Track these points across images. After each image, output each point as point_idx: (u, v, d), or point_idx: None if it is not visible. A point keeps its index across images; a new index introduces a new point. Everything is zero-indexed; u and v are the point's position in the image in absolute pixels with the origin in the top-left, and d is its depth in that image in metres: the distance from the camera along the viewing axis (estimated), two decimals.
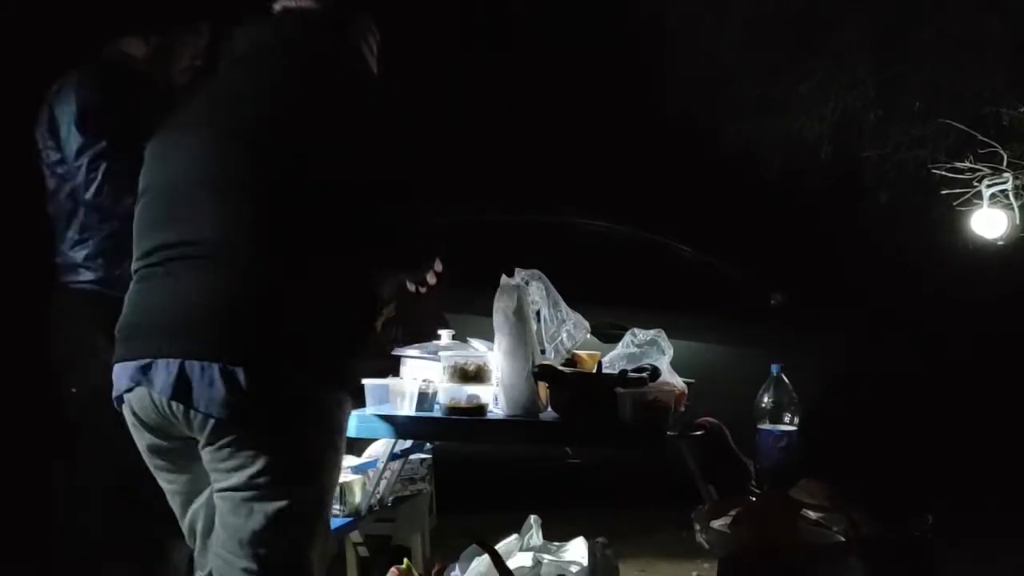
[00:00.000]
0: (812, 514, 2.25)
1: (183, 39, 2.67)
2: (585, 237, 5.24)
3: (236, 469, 1.77)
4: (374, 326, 1.97)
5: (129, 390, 1.80)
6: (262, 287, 1.74)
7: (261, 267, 1.74)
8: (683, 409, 2.66)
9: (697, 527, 2.31)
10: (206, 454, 1.80)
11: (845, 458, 3.75)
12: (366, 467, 2.94)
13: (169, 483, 1.94)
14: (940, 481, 3.98)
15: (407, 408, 2.60)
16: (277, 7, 2.04)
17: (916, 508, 2.44)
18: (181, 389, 1.72)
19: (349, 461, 2.99)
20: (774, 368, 2.67)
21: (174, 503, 1.96)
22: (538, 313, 2.63)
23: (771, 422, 2.62)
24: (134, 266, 1.89)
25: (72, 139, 2.52)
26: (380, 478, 2.93)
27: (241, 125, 1.83)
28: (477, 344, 2.79)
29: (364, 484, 2.87)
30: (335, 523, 2.76)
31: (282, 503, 1.78)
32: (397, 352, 2.85)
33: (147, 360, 1.76)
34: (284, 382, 1.75)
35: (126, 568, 2.47)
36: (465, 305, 3.98)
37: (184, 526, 1.97)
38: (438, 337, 2.83)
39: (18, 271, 3.49)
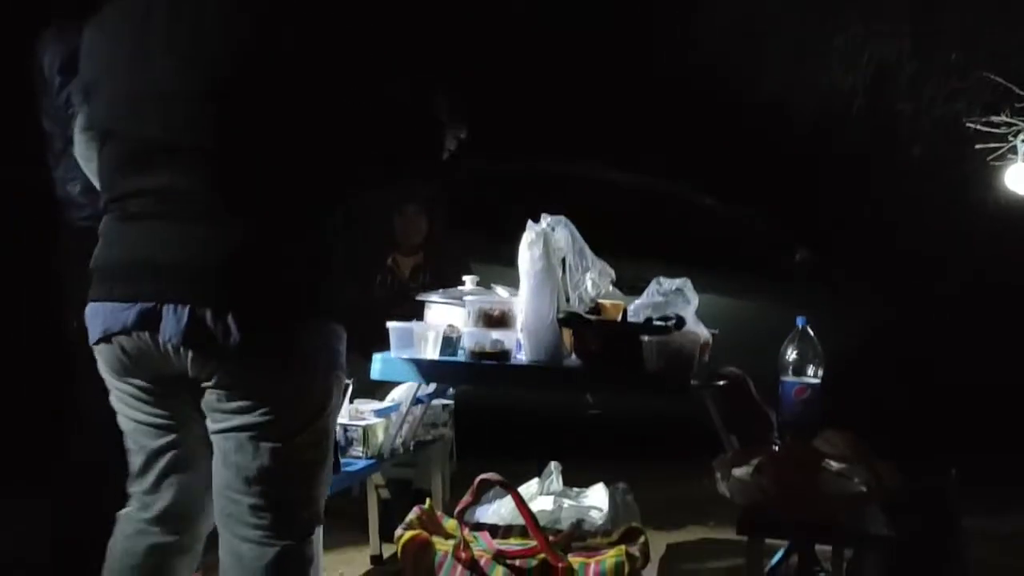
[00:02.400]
0: (834, 464, 2.25)
1: None
2: (611, 189, 5.20)
3: (241, 410, 1.78)
4: (353, 270, 1.94)
5: (127, 332, 1.78)
6: (250, 236, 1.73)
7: (248, 216, 1.74)
8: (707, 359, 2.65)
9: (718, 475, 2.32)
10: (209, 395, 1.81)
11: (869, 411, 3.75)
12: (389, 411, 2.97)
13: (143, 416, 1.90)
14: (964, 433, 3.96)
15: (431, 352, 2.61)
16: None
17: (939, 460, 2.43)
18: (191, 335, 1.72)
19: (372, 405, 3.02)
20: (799, 321, 2.65)
21: (135, 436, 1.93)
22: (563, 260, 2.62)
23: (795, 374, 2.61)
24: (109, 205, 1.85)
25: (55, 82, 2.71)
26: (403, 422, 2.95)
27: (212, 62, 1.74)
28: (501, 291, 2.79)
29: (387, 428, 2.90)
30: (358, 465, 2.80)
31: (288, 439, 1.80)
32: (421, 297, 2.86)
33: (150, 304, 1.74)
34: (280, 322, 1.76)
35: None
36: (490, 253, 3.98)
37: (137, 460, 1.94)
38: (463, 283, 2.83)
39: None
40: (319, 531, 1.89)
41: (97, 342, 1.83)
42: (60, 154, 2.74)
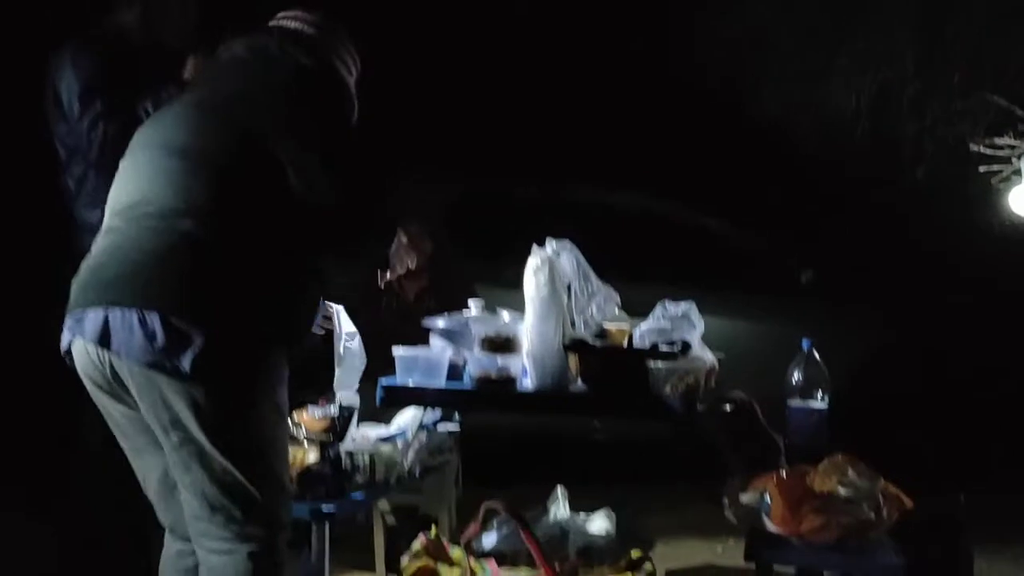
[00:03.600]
0: (843, 490, 2.23)
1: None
2: (615, 210, 5.20)
3: (172, 424, 1.83)
4: (307, 291, 2.04)
5: (69, 342, 1.90)
6: (195, 246, 1.82)
7: (199, 229, 1.83)
8: (713, 384, 2.64)
9: (726, 501, 2.31)
10: (143, 412, 1.86)
11: (876, 435, 3.73)
12: (394, 437, 2.96)
13: (125, 444, 2.00)
14: (972, 459, 3.94)
15: (436, 379, 2.60)
16: (273, 22, 2.22)
17: (947, 487, 2.42)
18: (104, 335, 1.80)
19: (378, 431, 3.01)
20: (805, 344, 2.64)
21: (133, 464, 2.02)
22: (568, 286, 2.62)
23: (801, 398, 2.60)
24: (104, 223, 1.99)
25: (74, 107, 2.75)
26: (408, 448, 2.94)
27: (216, 106, 2.00)
28: (506, 315, 2.79)
29: (392, 454, 2.89)
30: (363, 492, 2.79)
31: (223, 449, 1.84)
32: (427, 323, 2.85)
33: (80, 311, 1.85)
34: (203, 330, 1.80)
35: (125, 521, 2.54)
36: (495, 277, 3.98)
37: (140, 480, 2.03)
38: (467, 307, 2.83)
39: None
40: (282, 538, 1.93)
41: (65, 358, 1.95)
42: (81, 178, 2.78)
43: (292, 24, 2.18)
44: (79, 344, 1.87)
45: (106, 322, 1.80)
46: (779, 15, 5.10)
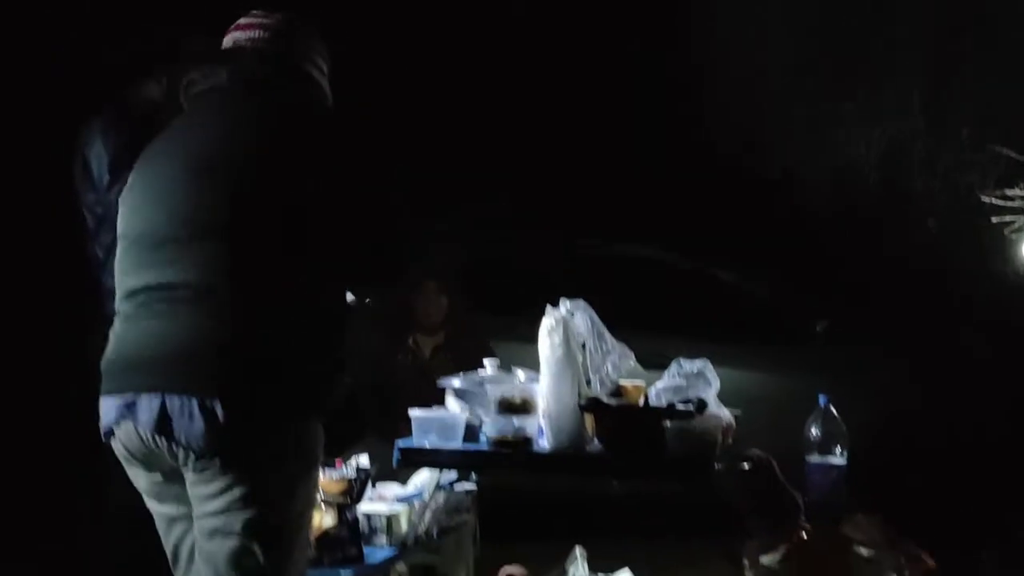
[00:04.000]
0: (864, 551, 2.22)
1: (187, 68, 2.80)
2: (628, 264, 5.22)
3: (213, 496, 1.84)
4: (344, 357, 2.01)
5: (116, 424, 1.87)
6: (237, 326, 1.83)
7: (237, 308, 1.83)
8: (730, 442, 2.63)
9: (746, 562, 2.29)
10: (189, 482, 1.87)
11: (896, 491, 3.69)
12: (412, 498, 2.95)
13: (156, 509, 1.99)
14: (996, 516, 3.88)
15: (453, 440, 2.60)
16: (227, 42, 2.11)
17: (971, 544, 2.39)
18: (163, 423, 1.80)
19: (395, 490, 3.00)
20: (822, 399, 2.64)
21: (160, 528, 2.01)
22: (583, 344, 2.63)
23: (820, 454, 2.59)
24: (117, 306, 1.96)
25: (103, 178, 2.82)
26: (426, 509, 2.93)
27: (215, 168, 1.91)
28: (522, 374, 2.80)
29: (410, 515, 2.88)
30: (382, 554, 2.78)
31: (255, 528, 1.84)
32: (443, 383, 2.86)
33: (131, 396, 1.83)
34: (258, 414, 1.82)
35: None
36: (510, 331, 3.99)
37: (168, 550, 2.01)
38: (483, 367, 2.84)
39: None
40: None
41: (104, 437, 1.93)
42: (109, 247, 2.80)
43: (258, 40, 2.06)
44: (128, 427, 1.85)
45: (163, 408, 1.79)
46: (789, 72, 5.17)
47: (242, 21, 2.11)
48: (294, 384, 1.86)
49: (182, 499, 1.92)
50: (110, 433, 1.91)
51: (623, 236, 5.35)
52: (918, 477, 4.28)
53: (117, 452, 1.93)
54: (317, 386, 1.91)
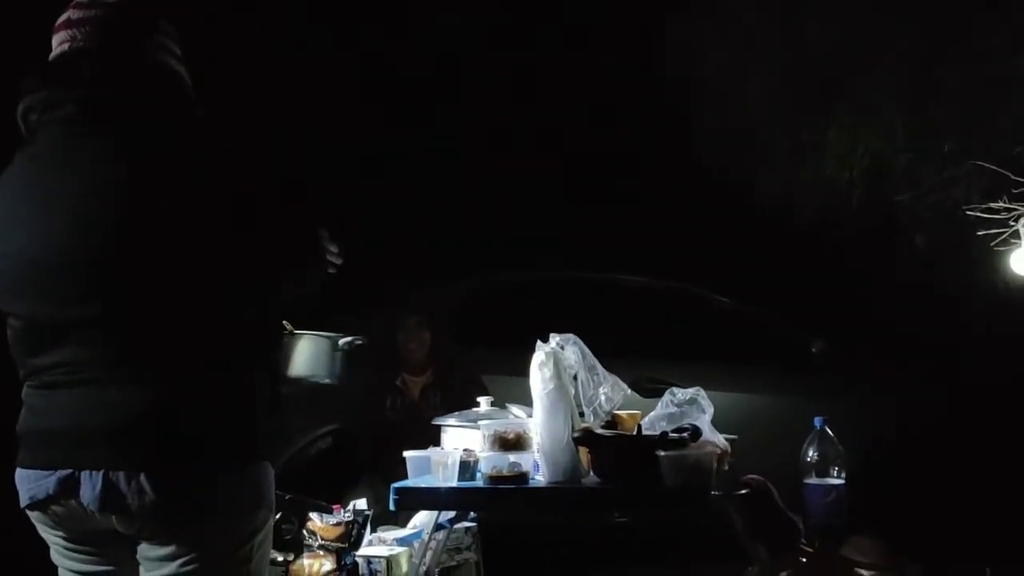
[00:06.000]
0: (865, 573, 2.21)
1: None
2: (620, 292, 5.23)
3: (166, 558, 1.81)
4: (277, 398, 1.94)
5: (50, 500, 1.81)
6: (157, 395, 1.76)
7: (154, 376, 1.77)
8: (727, 467, 2.63)
9: None
10: (141, 546, 1.83)
11: (896, 512, 3.67)
12: (411, 539, 2.94)
13: (70, 566, 1.91)
14: (996, 534, 3.86)
15: (449, 479, 2.60)
16: (54, 52, 1.85)
17: (972, 563, 2.38)
18: (108, 499, 1.75)
19: (394, 533, 2.99)
20: (817, 421, 2.64)
21: None
22: (575, 377, 2.63)
23: (817, 476, 2.58)
24: (28, 378, 1.86)
25: None
26: (426, 549, 2.92)
27: (93, 232, 1.75)
28: (516, 410, 2.79)
29: (410, 556, 2.87)
30: None
31: None
32: (437, 422, 2.86)
33: (67, 471, 1.78)
34: (194, 474, 1.78)
35: None
36: (502, 366, 3.99)
37: None
38: (477, 404, 2.83)
39: None
40: None
41: (26, 508, 1.87)
42: None
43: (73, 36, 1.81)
44: (69, 503, 1.80)
45: (107, 484, 1.75)
46: (766, 101, 5.21)
47: (72, 15, 1.83)
48: (221, 440, 1.81)
49: (116, 557, 1.88)
50: (34, 506, 1.84)
51: (616, 265, 5.36)
52: (918, 496, 4.27)
53: (39, 519, 1.87)
54: (245, 435, 1.85)
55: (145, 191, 1.76)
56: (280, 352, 2.13)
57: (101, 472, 1.76)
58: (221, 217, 1.79)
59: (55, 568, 1.94)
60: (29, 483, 1.84)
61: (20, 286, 1.83)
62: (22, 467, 1.86)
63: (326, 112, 6.69)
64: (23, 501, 1.86)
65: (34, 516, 1.88)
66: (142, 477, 1.75)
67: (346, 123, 6.66)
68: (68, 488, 1.79)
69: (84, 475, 1.77)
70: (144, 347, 1.78)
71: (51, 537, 1.91)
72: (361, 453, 4.45)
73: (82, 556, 1.90)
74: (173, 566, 1.81)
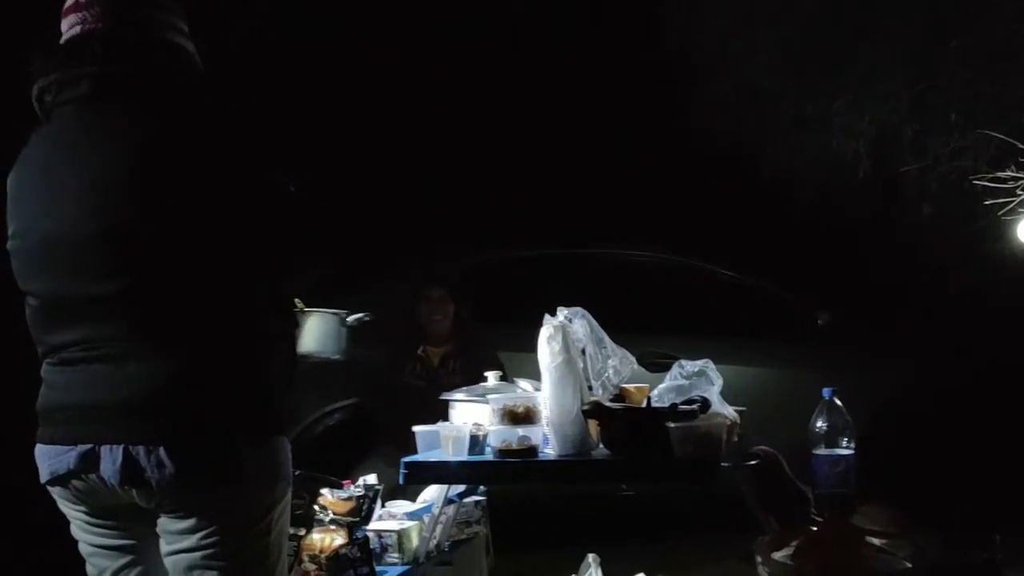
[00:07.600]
0: (876, 541, 2.21)
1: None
2: (627, 266, 5.22)
3: (187, 531, 1.83)
4: (293, 372, 1.96)
5: (69, 474, 1.83)
6: (175, 368, 1.78)
7: (172, 349, 1.79)
8: (736, 439, 2.63)
9: (758, 559, 2.28)
10: (161, 520, 1.86)
11: (906, 481, 3.68)
12: (421, 513, 2.95)
13: (95, 543, 1.94)
14: (1006, 500, 3.87)
15: (458, 453, 2.60)
16: (66, 35, 1.88)
17: (982, 530, 2.38)
18: (131, 472, 1.77)
19: (404, 507, 3.00)
20: (826, 392, 2.63)
21: (95, 560, 1.95)
22: (583, 350, 2.63)
23: (826, 447, 2.58)
24: (47, 355, 1.89)
25: None
26: (436, 523, 2.93)
27: (111, 206, 1.77)
28: (524, 384, 2.80)
29: (420, 530, 2.88)
30: (394, 571, 2.77)
31: (232, 558, 1.83)
32: (446, 397, 2.86)
33: (88, 446, 1.80)
34: (213, 447, 1.80)
35: None
36: (512, 342, 3.99)
37: None
38: (485, 379, 2.84)
39: None
40: None
41: (46, 483, 1.89)
42: None
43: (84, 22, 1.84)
44: (90, 479, 1.82)
45: (127, 457, 1.77)
46: (772, 72, 5.18)
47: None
48: (238, 413, 1.82)
49: (133, 530, 1.91)
50: (55, 482, 1.86)
51: (622, 240, 5.36)
52: (927, 464, 4.28)
53: (60, 494, 1.90)
54: (263, 407, 1.86)
55: (163, 166, 1.79)
56: (297, 327, 2.13)
57: (121, 446, 1.78)
58: (238, 189, 1.82)
59: (75, 542, 1.96)
60: (49, 458, 1.86)
61: (39, 265, 1.85)
62: (42, 443, 1.88)
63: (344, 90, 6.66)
64: (43, 477, 1.88)
65: (55, 491, 1.90)
66: (161, 451, 1.76)
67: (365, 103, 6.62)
68: (89, 463, 1.80)
69: (104, 449, 1.79)
70: (162, 322, 1.80)
71: (72, 512, 1.93)
72: (378, 427, 4.46)
73: (103, 530, 1.93)
74: (193, 539, 1.83)
